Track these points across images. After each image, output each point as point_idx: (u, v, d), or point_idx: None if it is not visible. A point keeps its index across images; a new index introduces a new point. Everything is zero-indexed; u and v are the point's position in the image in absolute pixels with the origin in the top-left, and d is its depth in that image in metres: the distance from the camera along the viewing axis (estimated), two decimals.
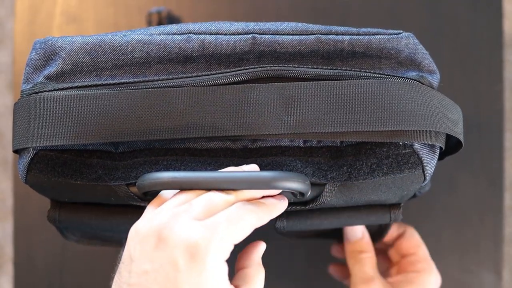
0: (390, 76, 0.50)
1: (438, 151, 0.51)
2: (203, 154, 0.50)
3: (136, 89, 0.49)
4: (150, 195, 0.49)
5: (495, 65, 0.76)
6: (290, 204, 0.53)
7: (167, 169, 0.50)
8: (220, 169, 0.50)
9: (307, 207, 0.52)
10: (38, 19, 0.77)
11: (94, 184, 0.50)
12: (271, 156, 0.50)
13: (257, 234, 0.47)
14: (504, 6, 0.77)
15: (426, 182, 0.52)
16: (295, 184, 0.48)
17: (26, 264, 0.75)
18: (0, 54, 0.82)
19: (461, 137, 0.52)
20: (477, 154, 0.75)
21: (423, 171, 0.51)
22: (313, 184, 0.50)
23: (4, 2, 0.81)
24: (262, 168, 0.50)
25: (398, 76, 0.50)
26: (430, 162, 0.51)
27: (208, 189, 0.47)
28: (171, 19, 0.76)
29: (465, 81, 0.76)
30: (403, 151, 0.50)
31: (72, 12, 0.77)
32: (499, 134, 0.75)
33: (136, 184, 0.49)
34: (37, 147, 0.49)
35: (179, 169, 0.50)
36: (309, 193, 0.49)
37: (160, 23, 0.75)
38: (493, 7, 0.76)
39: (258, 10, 0.78)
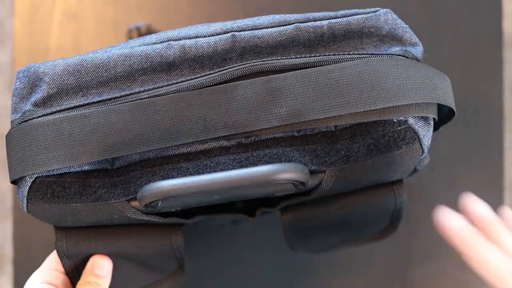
0: (374, 55, 0.50)
1: (432, 122, 0.52)
2: (199, 157, 0.50)
3: (123, 103, 0.49)
4: (151, 207, 0.49)
5: (494, 65, 0.76)
6: (293, 196, 0.53)
7: (164, 179, 0.50)
8: (218, 168, 0.50)
9: (310, 196, 0.52)
10: (38, 18, 0.77)
11: (95, 204, 0.50)
12: (267, 149, 0.50)
13: (267, 244, 0.47)
14: (504, 6, 0.77)
15: (424, 154, 0.52)
16: (294, 175, 0.48)
17: (26, 264, 0.75)
18: (0, 54, 0.82)
19: (452, 105, 0.52)
20: (477, 154, 0.75)
21: (421, 144, 0.51)
22: (313, 172, 0.50)
23: (4, 2, 0.81)
24: (259, 161, 0.50)
25: (382, 54, 0.50)
26: (426, 134, 0.51)
27: (209, 192, 0.47)
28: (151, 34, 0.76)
29: (465, 81, 0.76)
30: (398, 128, 0.50)
31: (71, 10, 0.77)
32: (499, 134, 0.75)
33: (137, 197, 0.49)
34: (34, 174, 0.49)
35: (176, 177, 0.50)
36: (309, 182, 0.49)
37: None
38: (492, 7, 0.76)
39: (257, 11, 0.78)
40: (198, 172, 0.50)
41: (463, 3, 0.76)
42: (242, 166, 0.50)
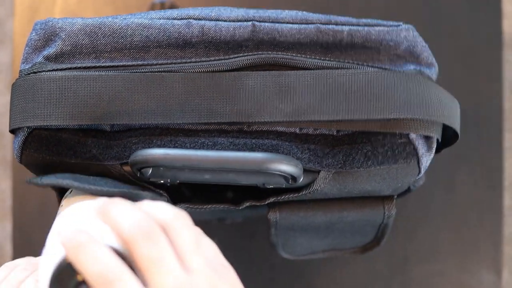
0: (388, 70, 0.50)
1: (434, 145, 0.52)
2: (198, 134, 0.51)
3: (134, 72, 0.50)
4: (141, 173, 0.49)
5: (494, 65, 0.76)
6: (283, 190, 0.53)
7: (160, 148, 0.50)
8: (214, 148, 0.50)
9: (300, 193, 0.52)
10: (38, 18, 0.77)
11: (88, 163, 0.51)
12: (267, 139, 0.51)
13: (256, 251, 0.47)
14: (504, 6, 0.77)
15: (420, 175, 0.52)
16: (287, 167, 0.48)
17: None
18: (0, 54, 0.82)
19: (457, 128, 0.52)
20: (476, 154, 0.75)
21: (418, 163, 0.51)
22: (307, 171, 0.50)
23: (4, 2, 0.81)
24: (257, 148, 0.50)
25: (396, 70, 0.50)
26: (426, 154, 0.51)
27: (200, 168, 0.47)
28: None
29: (465, 81, 0.76)
30: (399, 140, 0.50)
31: (71, 10, 0.77)
32: (498, 134, 0.75)
33: (129, 160, 0.49)
34: (32, 126, 0.50)
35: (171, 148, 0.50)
36: (301, 178, 0.49)
37: None
38: (492, 7, 0.76)
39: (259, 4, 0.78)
40: (194, 149, 0.50)
41: (463, 3, 0.76)
42: (238, 150, 0.50)
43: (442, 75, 0.75)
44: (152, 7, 0.75)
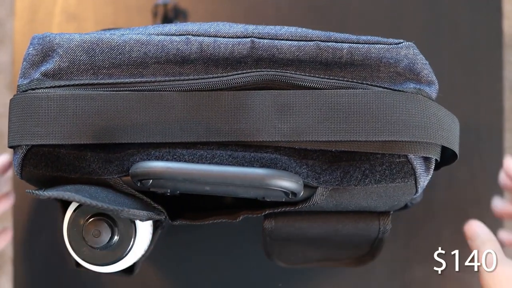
0: (387, 89, 0.50)
1: (433, 166, 0.51)
2: (196, 146, 0.51)
3: (132, 90, 0.49)
4: (142, 183, 0.49)
5: (494, 64, 0.76)
6: (280, 203, 0.53)
7: (159, 160, 0.50)
8: (213, 161, 0.50)
9: (296, 207, 0.52)
10: (38, 18, 0.77)
11: (88, 178, 0.50)
12: (265, 153, 0.50)
13: (252, 257, 0.46)
14: (504, 6, 0.77)
15: (417, 194, 0.52)
16: (289, 184, 0.48)
17: (25, 264, 0.75)
18: (0, 54, 0.82)
19: (456, 148, 0.52)
20: (477, 154, 0.75)
21: (415, 183, 0.51)
22: (305, 186, 0.50)
23: (4, 2, 0.81)
24: (255, 162, 0.50)
25: (395, 89, 0.50)
26: (423, 174, 0.51)
27: (200, 182, 0.47)
28: (177, 12, 0.76)
29: (465, 81, 0.76)
30: (397, 160, 0.50)
31: (71, 11, 0.77)
32: (499, 134, 0.75)
33: (130, 171, 0.49)
34: (31, 144, 0.50)
35: (171, 161, 0.50)
36: (301, 193, 0.49)
37: (165, 15, 0.76)
38: (492, 6, 0.76)
39: (259, 5, 0.78)
40: (192, 161, 0.50)
41: (463, 3, 0.76)
42: (237, 163, 0.50)
43: (442, 76, 0.75)
44: (155, 8, 0.75)
